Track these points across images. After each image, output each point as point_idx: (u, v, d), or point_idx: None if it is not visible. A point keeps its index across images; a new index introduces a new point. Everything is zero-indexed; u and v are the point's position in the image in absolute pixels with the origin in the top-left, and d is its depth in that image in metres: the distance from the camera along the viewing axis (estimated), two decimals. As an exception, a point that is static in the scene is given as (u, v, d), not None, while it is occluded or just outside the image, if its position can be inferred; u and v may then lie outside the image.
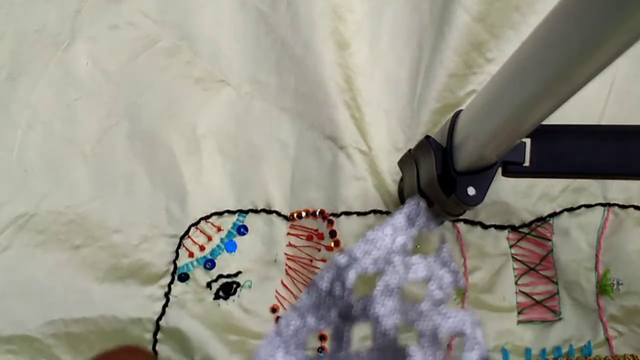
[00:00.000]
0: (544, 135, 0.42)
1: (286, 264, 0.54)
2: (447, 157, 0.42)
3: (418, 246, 0.55)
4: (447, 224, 0.55)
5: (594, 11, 0.24)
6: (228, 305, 0.53)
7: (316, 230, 0.55)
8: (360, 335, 0.13)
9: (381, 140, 0.57)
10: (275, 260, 0.54)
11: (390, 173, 0.56)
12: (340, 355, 0.14)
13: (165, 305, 0.52)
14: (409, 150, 0.49)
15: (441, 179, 0.42)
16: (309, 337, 0.14)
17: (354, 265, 0.13)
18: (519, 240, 0.56)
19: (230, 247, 0.55)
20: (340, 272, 0.13)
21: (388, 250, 0.13)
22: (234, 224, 0.55)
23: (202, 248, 0.54)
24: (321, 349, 0.51)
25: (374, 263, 0.13)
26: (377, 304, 0.13)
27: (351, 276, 0.13)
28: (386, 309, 0.13)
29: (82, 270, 0.52)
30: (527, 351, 0.53)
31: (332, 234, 0.55)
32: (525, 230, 0.56)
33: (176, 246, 0.54)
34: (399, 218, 0.13)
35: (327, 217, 0.55)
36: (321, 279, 0.13)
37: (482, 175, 0.41)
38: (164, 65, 0.58)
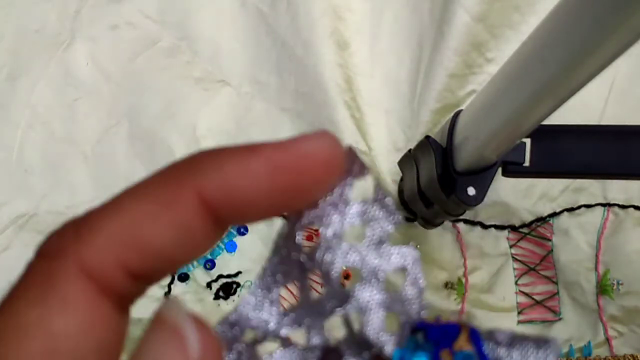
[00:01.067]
0: (544, 135, 0.42)
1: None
2: (447, 157, 0.42)
3: (418, 246, 0.55)
4: (447, 224, 0.55)
5: (594, 11, 0.24)
6: (228, 305, 0.53)
7: (316, 231, 0.55)
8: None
9: (381, 140, 0.57)
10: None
11: (390, 173, 0.56)
12: (303, 303, 0.15)
13: (165, 305, 0.52)
14: (409, 151, 0.49)
15: (441, 179, 0.42)
16: (279, 293, 0.15)
17: (300, 223, 0.14)
18: (519, 240, 0.56)
19: (230, 247, 0.55)
20: (291, 230, 0.14)
21: (330, 202, 0.14)
22: (234, 224, 0.55)
23: (202, 248, 0.54)
24: None
25: (317, 218, 0.14)
26: (320, 251, 0.14)
27: (299, 235, 0.14)
28: (330, 255, 0.14)
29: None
30: (527, 351, 0.53)
31: (332, 234, 0.54)
32: (525, 230, 0.56)
33: (176, 246, 0.54)
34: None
35: (327, 217, 0.55)
36: (277, 241, 0.14)
37: (482, 176, 0.41)
38: (164, 65, 0.58)
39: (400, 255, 0.14)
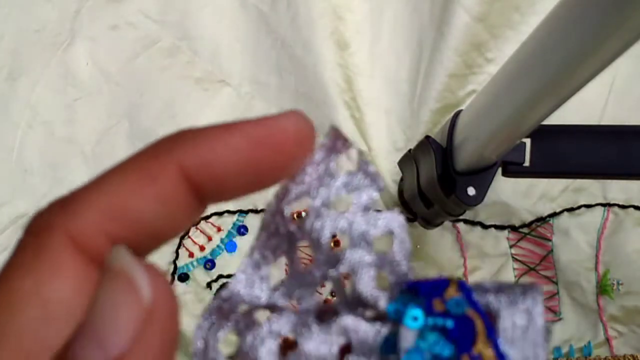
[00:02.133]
0: (544, 135, 0.42)
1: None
2: (447, 157, 0.42)
3: (418, 246, 0.55)
4: (447, 224, 0.55)
5: (594, 11, 0.24)
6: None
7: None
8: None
9: (381, 140, 0.57)
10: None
11: (390, 173, 0.56)
12: (293, 275, 0.15)
13: (165, 305, 0.52)
14: (409, 151, 0.49)
15: (441, 179, 0.42)
16: (269, 269, 0.15)
17: (288, 198, 0.15)
18: (519, 241, 0.56)
19: (230, 247, 0.55)
20: (278, 205, 0.15)
21: (316, 177, 0.15)
22: (234, 224, 0.55)
23: (202, 248, 0.54)
24: None
25: (304, 192, 0.14)
26: (310, 220, 0.15)
27: (287, 209, 0.14)
28: (319, 222, 0.15)
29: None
30: (527, 351, 0.53)
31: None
32: (525, 230, 0.56)
33: (176, 246, 0.54)
34: (317, 154, 0.15)
35: (327, 217, 0.55)
36: (266, 216, 0.15)
37: (482, 176, 0.41)
38: (164, 65, 0.58)
39: (386, 220, 0.15)
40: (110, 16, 0.58)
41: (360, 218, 0.15)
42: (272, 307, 0.15)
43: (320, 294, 0.14)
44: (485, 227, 0.56)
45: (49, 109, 0.56)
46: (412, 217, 0.55)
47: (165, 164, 0.13)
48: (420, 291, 0.14)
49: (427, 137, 0.44)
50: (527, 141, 0.42)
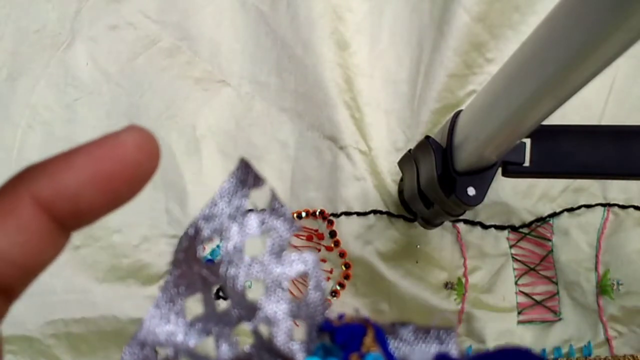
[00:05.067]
0: (544, 135, 0.42)
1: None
2: (447, 157, 0.42)
3: (418, 246, 0.55)
4: (447, 224, 0.55)
5: (594, 11, 0.24)
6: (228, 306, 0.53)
7: (316, 231, 0.55)
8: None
9: (381, 140, 0.57)
10: (275, 261, 0.54)
11: (390, 173, 0.56)
12: (208, 315, 0.15)
13: (165, 306, 0.52)
14: (409, 151, 0.49)
15: (441, 179, 0.42)
16: (184, 304, 0.15)
17: (200, 237, 0.15)
18: (519, 241, 0.56)
19: (230, 247, 0.55)
20: (191, 244, 0.14)
21: (228, 215, 0.15)
22: (234, 224, 0.55)
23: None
24: None
25: (216, 232, 0.14)
26: (224, 266, 0.15)
27: (199, 249, 0.15)
28: (233, 270, 0.14)
29: (82, 271, 0.52)
30: (527, 351, 0.53)
31: (332, 234, 0.55)
32: (525, 230, 0.56)
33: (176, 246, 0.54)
34: (227, 184, 0.15)
35: (327, 217, 0.55)
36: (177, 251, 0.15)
37: (482, 176, 0.41)
38: (164, 65, 0.58)
39: (300, 261, 0.15)
40: (110, 16, 0.58)
41: (274, 261, 0.15)
42: (190, 353, 0.14)
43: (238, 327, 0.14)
44: (485, 227, 0.56)
45: (49, 109, 0.56)
46: (412, 217, 0.55)
47: (20, 196, 0.13)
48: (337, 339, 0.14)
49: (427, 137, 0.44)
50: (527, 141, 0.42)
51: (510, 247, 0.56)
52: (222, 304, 0.15)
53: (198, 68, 0.58)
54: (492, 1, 0.55)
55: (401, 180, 0.54)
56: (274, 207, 0.15)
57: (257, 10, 0.59)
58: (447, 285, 0.55)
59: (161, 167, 0.14)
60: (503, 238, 0.56)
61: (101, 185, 0.14)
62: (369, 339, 0.14)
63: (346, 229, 0.54)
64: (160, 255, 0.53)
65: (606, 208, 0.56)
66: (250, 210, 0.15)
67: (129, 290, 0.52)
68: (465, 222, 0.56)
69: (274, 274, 0.15)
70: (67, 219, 0.14)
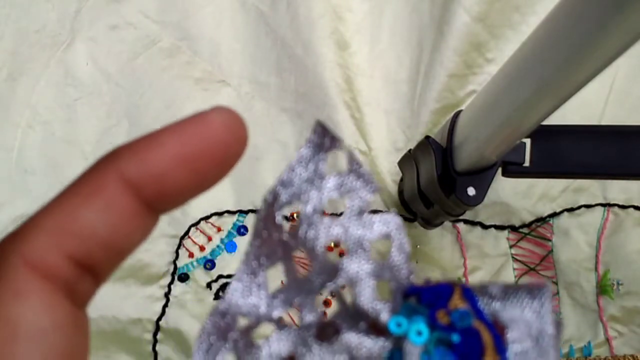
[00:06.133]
0: (544, 135, 0.42)
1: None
2: (447, 157, 0.42)
3: (418, 246, 0.55)
4: (447, 224, 0.55)
5: (594, 12, 0.24)
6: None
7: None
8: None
9: (381, 140, 0.57)
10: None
11: (390, 173, 0.56)
12: (290, 283, 0.15)
13: (165, 306, 0.52)
14: (409, 151, 0.49)
15: (441, 179, 0.42)
16: (265, 275, 0.15)
17: (278, 203, 0.14)
18: (519, 241, 0.56)
19: (230, 247, 0.55)
20: (269, 211, 0.14)
21: (306, 179, 0.14)
22: (234, 224, 0.55)
23: (202, 248, 0.54)
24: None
25: (295, 196, 0.14)
26: (303, 229, 0.14)
27: (278, 214, 0.14)
28: (312, 232, 0.14)
29: (82, 271, 0.52)
30: (527, 351, 0.53)
31: (332, 234, 0.54)
32: (525, 230, 0.56)
33: (176, 246, 0.54)
34: (304, 150, 0.14)
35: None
36: (257, 222, 0.14)
37: (482, 176, 0.41)
38: (164, 65, 0.58)
39: (382, 223, 0.14)
40: (110, 16, 0.58)
41: (355, 223, 0.14)
42: (272, 320, 0.14)
43: (321, 294, 0.13)
44: (485, 227, 0.56)
45: (49, 109, 0.56)
46: (412, 217, 0.55)
47: (108, 175, 0.13)
48: (422, 299, 0.14)
49: (427, 137, 0.44)
50: (527, 141, 0.42)
51: (510, 247, 0.56)
52: (303, 271, 0.15)
53: (198, 68, 0.58)
54: (492, 1, 0.55)
55: (401, 180, 0.54)
56: (353, 168, 0.14)
57: (257, 10, 0.59)
58: (447, 285, 0.55)
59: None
60: (503, 238, 0.56)
61: (187, 165, 0.13)
62: (456, 297, 0.13)
63: (346, 229, 0.54)
64: (160, 255, 0.53)
65: (606, 208, 0.56)
66: (328, 173, 0.14)
67: (128, 290, 0.52)
68: (465, 222, 0.56)
69: (355, 236, 0.14)
70: (154, 200, 0.14)
